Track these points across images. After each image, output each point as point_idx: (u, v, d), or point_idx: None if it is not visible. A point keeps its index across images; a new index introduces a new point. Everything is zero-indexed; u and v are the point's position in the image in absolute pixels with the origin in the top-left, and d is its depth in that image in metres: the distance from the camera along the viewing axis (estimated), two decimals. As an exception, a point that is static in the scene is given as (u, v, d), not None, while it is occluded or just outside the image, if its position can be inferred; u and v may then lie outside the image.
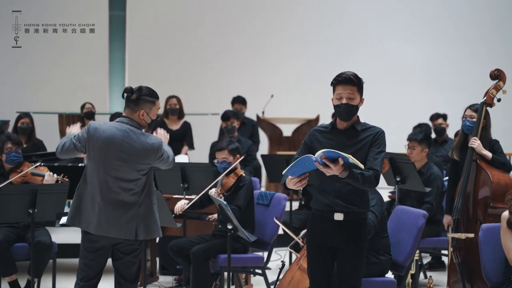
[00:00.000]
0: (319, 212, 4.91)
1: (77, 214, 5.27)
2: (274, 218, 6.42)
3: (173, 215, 6.96)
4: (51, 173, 6.94)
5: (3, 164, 7.20)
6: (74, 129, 5.52)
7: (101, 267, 5.41)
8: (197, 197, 6.85)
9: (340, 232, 4.84)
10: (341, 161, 4.50)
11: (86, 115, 10.79)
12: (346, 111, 4.79)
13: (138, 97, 5.29)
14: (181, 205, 6.97)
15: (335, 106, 4.82)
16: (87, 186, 5.26)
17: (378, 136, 4.84)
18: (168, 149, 5.43)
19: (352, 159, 4.50)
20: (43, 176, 6.97)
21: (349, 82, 4.78)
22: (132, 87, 5.36)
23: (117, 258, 5.39)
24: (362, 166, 4.57)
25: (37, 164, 7.11)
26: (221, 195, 6.65)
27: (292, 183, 4.68)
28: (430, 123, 10.50)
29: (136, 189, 5.24)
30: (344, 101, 4.78)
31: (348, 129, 4.87)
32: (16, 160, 7.16)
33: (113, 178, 5.20)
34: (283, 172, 4.66)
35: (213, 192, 6.65)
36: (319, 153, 4.50)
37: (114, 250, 5.37)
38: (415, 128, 10.22)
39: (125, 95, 5.33)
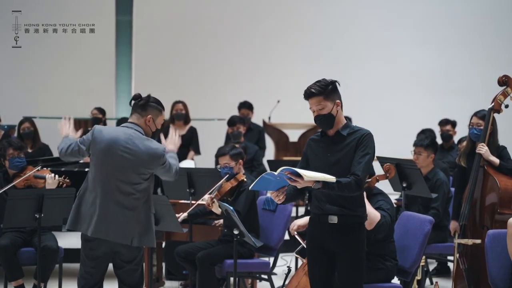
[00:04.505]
0: (316, 216, 4.96)
1: (77, 218, 5.29)
2: (292, 233, 6.35)
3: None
4: (53, 175, 6.96)
5: (7, 170, 7.22)
6: (69, 132, 5.54)
7: (102, 274, 5.42)
8: (194, 205, 6.86)
9: (336, 235, 4.87)
10: (305, 174, 4.56)
11: (92, 121, 10.77)
12: (320, 121, 4.88)
13: (146, 103, 5.36)
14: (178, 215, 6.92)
15: (314, 119, 4.91)
16: (88, 189, 5.28)
17: (362, 138, 4.84)
18: (174, 161, 5.46)
19: (308, 176, 4.54)
20: (43, 178, 6.99)
21: (312, 95, 4.86)
22: (141, 94, 5.40)
23: (119, 267, 5.41)
24: (331, 178, 4.60)
25: (38, 167, 7.14)
26: (214, 200, 6.60)
27: (273, 196, 4.79)
28: (438, 128, 10.44)
29: (136, 195, 5.25)
30: (315, 114, 4.88)
31: (335, 135, 4.92)
32: (20, 165, 7.18)
33: (115, 180, 5.22)
34: (250, 187, 4.76)
35: (206, 198, 6.65)
36: (280, 169, 4.59)
37: (115, 258, 5.37)
38: (419, 134, 10.20)
39: (133, 102, 5.38)
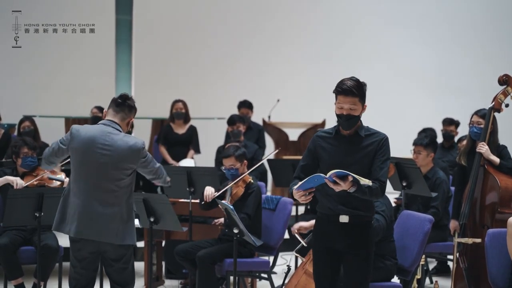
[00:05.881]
0: (325, 216, 4.91)
1: (61, 219, 5.29)
2: (293, 232, 6.36)
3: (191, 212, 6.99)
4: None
5: (17, 168, 7.23)
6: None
7: (92, 275, 5.42)
8: (225, 188, 6.80)
9: (346, 235, 4.84)
10: (350, 178, 4.51)
11: (92, 119, 10.73)
12: (347, 122, 4.78)
13: (133, 106, 5.38)
14: (211, 192, 6.89)
15: (337, 115, 4.81)
16: (71, 190, 5.27)
17: (383, 143, 4.82)
18: (160, 166, 5.51)
19: (363, 180, 4.52)
20: (61, 181, 7.00)
21: (350, 94, 4.74)
22: (128, 94, 5.42)
23: (108, 266, 5.40)
24: (370, 183, 4.58)
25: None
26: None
27: (298, 195, 4.68)
28: (441, 126, 10.39)
29: (119, 191, 5.24)
30: (344, 112, 4.76)
31: (352, 135, 4.86)
32: (32, 165, 7.20)
33: (97, 179, 5.20)
34: (294, 187, 4.66)
35: (221, 206, 6.62)
36: (330, 173, 4.51)
37: (104, 257, 5.37)
38: (420, 133, 10.20)
39: (119, 101, 5.35)
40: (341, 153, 4.82)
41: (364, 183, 4.54)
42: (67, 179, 7.07)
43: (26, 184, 6.92)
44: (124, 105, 5.35)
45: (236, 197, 6.82)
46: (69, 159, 5.41)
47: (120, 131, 5.30)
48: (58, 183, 7.06)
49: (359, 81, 4.80)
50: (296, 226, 6.19)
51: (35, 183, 7.00)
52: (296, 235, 6.28)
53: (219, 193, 6.78)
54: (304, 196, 4.66)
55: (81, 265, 5.32)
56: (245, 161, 6.99)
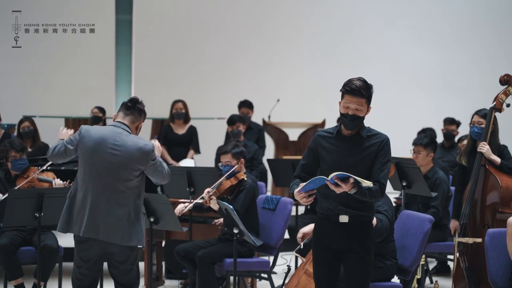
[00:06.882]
0: (325, 216, 4.91)
1: (68, 220, 5.28)
2: (299, 241, 6.38)
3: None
4: (59, 180, 7.00)
5: (9, 171, 7.22)
6: (64, 135, 5.69)
7: (96, 276, 5.43)
8: (194, 201, 6.84)
9: (346, 234, 4.84)
10: (351, 180, 4.51)
11: (92, 119, 10.72)
12: (351, 122, 4.77)
13: (142, 109, 5.41)
14: (180, 208, 6.96)
15: (342, 114, 4.79)
16: (78, 190, 5.27)
17: (384, 145, 4.81)
18: (164, 164, 5.48)
19: (364, 182, 4.52)
20: (49, 182, 7.00)
21: (358, 94, 4.72)
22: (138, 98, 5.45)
23: (113, 267, 5.41)
24: (371, 185, 4.58)
25: (42, 168, 7.12)
26: (212, 196, 6.61)
27: (299, 197, 4.68)
28: (441, 126, 10.38)
29: (127, 192, 5.25)
30: (350, 112, 4.75)
31: (353, 136, 4.84)
32: (22, 167, 7.18)
33: (106, 178, 5.22)
34: (296, 190, 4.66)
35: (204, 192, 6.65)
36: (332, 175, 4.51)
37: (109, 259, 5.37)
38: (419, 133, 10.19)
39: (129, 104, 5.38)
40: (342, 154, 4.81)
41: (365, 185, 4.54)
42: (56, 180, 7.08)
43: (18, 187, 6.91)
44: (133, 108, 5.38)
45: (223, 189, 6.80)
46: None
47: (130, 133, 5.32)
48: (47, 184, 7.06)
49: (367, 82, 4.78)
50: (299, 235, 6.24)
51: (26, 185, 7.00)
52: (301, 242, 6.29)
53: (211, 187, 6.76)
54: (305, 198, 4.67)
55: (86, 265, 5.32)
56: (242, 159, 6.99)
